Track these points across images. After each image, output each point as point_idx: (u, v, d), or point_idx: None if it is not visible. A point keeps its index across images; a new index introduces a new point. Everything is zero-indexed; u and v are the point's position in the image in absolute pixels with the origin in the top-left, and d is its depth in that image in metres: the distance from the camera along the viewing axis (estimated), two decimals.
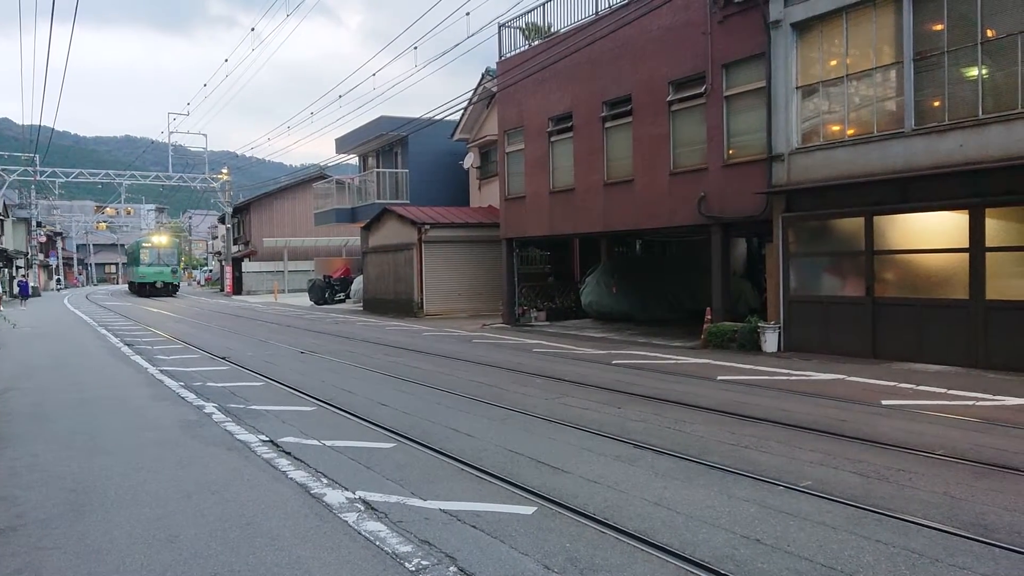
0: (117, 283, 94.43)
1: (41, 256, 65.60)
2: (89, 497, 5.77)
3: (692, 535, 4.75)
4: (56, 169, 53.62)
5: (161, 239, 54.81)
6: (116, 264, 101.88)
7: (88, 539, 4.88)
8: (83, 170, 55.38)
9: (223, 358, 14.66)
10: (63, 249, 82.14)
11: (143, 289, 51.47)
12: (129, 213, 79.16)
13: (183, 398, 10.17)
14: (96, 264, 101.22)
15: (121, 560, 4.51)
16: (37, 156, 51.61)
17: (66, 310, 35.13)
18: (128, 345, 17.57)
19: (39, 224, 63.02)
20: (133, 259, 55.69)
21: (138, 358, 14.95)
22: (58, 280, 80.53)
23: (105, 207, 76.38)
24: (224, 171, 53.72)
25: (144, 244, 53.57)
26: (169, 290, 52.34)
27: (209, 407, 9.40)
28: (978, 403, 8.76)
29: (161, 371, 12.89)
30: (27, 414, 9.31)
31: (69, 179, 54.59)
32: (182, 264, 59.70)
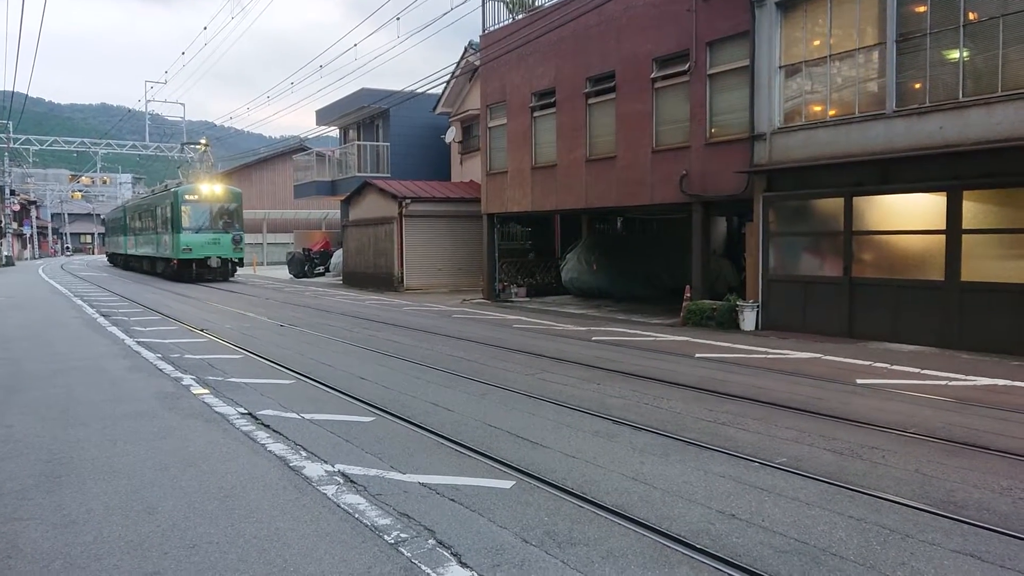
0: (93, 253, 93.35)
1: (15, 225, 64.63)
2: (65, 468, 5.73)
3: (668, 510, 4.80)
4: (30, 136, 52.65)
5: (215, 189, 33.15)
6: (92, 234, 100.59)
7: (65, 510, 4.85)
8: (58, 138, 54.44)
9: (201, 330, 14.56)
10: (37, 218, 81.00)
11: (186, 269, 31.81)
12: (105, 182, 77.82)
13: (160, 370, 10.09)
14: (71, 234, 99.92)
15: (99, 531, 4.50)
16: (10, 123, 50.66)
17: (40, 280, 34.67)
18: (104, 316, 17.39)
19: (12, 192, 62.03)
20: (168, 221, 33.07)
21: (114, 329, 14.80)
22: (66, 248, 78.96)
23: (80, 176, 74.87)
24: (203, 141, 52.99)
25: (188, 196, 32.26)
26: (227, 271, 32.97)
27: (187, 379, 9.35)
28: (951, 383, 8.89)
29: (138, 343, 12.78)
30: (0, 385, 9.21)
31: (43, 147, 53.63)
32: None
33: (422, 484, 5.29)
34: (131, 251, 43.26)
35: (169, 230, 32.86)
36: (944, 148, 10.99)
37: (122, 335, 13.85)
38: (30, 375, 9.84)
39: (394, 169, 30.86)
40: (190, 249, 31.46)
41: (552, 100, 19.25)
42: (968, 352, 10.83)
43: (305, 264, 36.18)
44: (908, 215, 11.91)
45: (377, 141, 32.23)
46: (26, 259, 68.70)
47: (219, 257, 32.05)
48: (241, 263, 34.08)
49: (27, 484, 5.39)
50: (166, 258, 33.76)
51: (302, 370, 9.99)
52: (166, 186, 37.41)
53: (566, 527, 4.52)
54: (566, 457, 5.95)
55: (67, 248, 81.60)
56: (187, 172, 37.77)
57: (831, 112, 12.71)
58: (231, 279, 33.18)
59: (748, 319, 13.79)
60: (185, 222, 31.79)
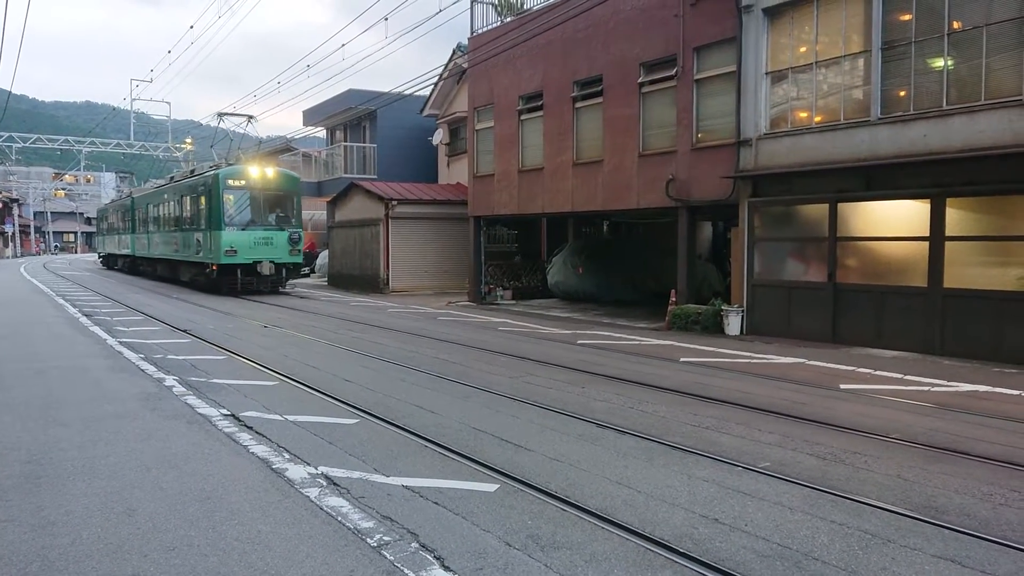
0: (76, 252, 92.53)
1: None
2: (45, 469, 5.67)
3: (652, 514, 4.80)
4: (13, 134, 52.22)
5: (267, 172, 24.66)
6: (75, 233, 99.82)
7: (44, 512, 4.80)
8: (41, 135, 54.07)
9: (184, 331, 14.46)
10: (20, 217, 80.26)
11: (227, 277, 23.81)
12: (89, 181, 77.33)
13: (143, 370, 10.01)
14: (54, 232, 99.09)
15: (77, 533, 4.45)
16: None
17: (22, 279, 34.31)
18: (87, 316, 17.24)
19: None
20: (204, 214, 24.89)
21: (97, 329, 14.67)
22: (55, 246, 78.00)
23: (64, 174, 74.26)
24: (188, 140, 52.71)
25: (231, 180, 24.09)
26: (280, 280, 25.09)
27: (169, 380, 9.28)
28: (933, 389, 8.96)
29: (120, 343, 12.67)
30: None
31: (27, 144, 53.26)
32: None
33: (405, 487, 5.27)
34: (141, 252, 35.04)
35: (205, 225, 24.74)
36: (928, 156, 11.08)
37: (104, 335, 13.74)
38: (10, 374, 9.72)
39: (381, 171, 30.80)
40: (235, 251, 23.57)
41: (540, 103, 19.27)
42: (950, 358, 10.91)
43: None
44: (892, 222, 11.99)
45: (364, 142, 32.16)
46: (8, 257, 68.00)
47: (272, 262, 24.11)
48: (297, 269, 25.70)
49: (6, 485, 5.32)
50: (199, 262, 25.64)
51: (285, 372, 9.94)
52: (192, 171, 30.28)
53: (549, 531, 4.51)
54: (550, 460, 5.95)
55: (56, 246, 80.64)
56: (227, 151, 28.81)
57: (817, 119, 12.78)
58: (282, 290, 25.79)
59: (733, 324, 13.84)
60: (229, 215, 23.82)
